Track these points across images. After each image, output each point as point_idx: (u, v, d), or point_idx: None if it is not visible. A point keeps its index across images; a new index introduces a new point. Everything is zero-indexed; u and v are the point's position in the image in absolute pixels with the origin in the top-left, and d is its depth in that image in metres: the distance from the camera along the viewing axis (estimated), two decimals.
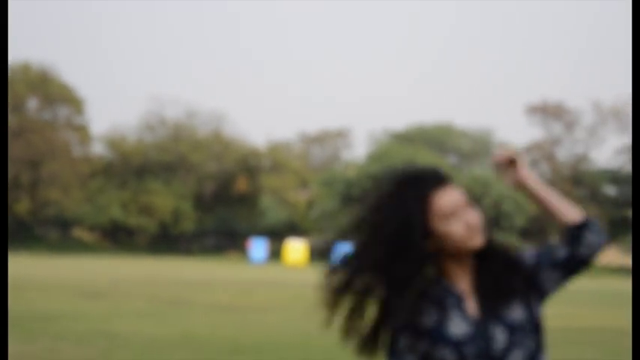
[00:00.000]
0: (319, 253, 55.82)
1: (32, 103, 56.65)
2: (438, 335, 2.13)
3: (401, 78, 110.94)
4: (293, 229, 60.84)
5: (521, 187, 2.27)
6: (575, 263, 2.18)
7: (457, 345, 2.11)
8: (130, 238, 62.38)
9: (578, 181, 57.97)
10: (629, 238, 42.84)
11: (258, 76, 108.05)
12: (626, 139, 56.94)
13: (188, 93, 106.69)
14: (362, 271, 2.23)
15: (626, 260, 48.35)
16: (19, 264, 30.59)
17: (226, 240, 63.32)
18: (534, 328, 2.16)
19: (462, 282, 2.17)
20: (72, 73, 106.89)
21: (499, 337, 2.11)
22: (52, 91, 56.11)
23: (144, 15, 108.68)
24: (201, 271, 33.61)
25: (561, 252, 2.18)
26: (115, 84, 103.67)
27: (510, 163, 2.28)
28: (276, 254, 53.57)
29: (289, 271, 37.99)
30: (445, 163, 61.03)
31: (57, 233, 62.92)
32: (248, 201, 63.06)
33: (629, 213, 47.91)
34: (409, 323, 2.13)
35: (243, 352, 9.59)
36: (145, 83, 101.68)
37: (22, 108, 54.82)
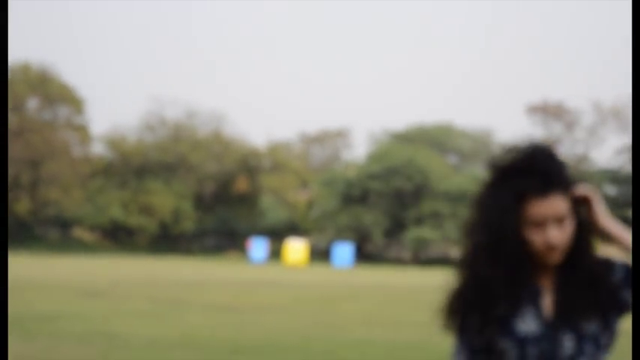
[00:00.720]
0: (319, 253, 55.86)
1: (32, 103, 56.65)
2: (505, 326, 2.08)
3: (401, 78, 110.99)
4: (293, 229, 60.86)
5: (594, 228, 2.11)
6: None
7: (521, 342, 2.07)
8: (130, 238, 62.39)
9: (578, 181, 57.93)
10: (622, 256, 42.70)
11: (259, 76, 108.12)
12: (626, 139, 56.98)
13: (188, 93, 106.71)
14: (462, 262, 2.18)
15: (626, 260, 48.28)
16: (19, 264, 30.59)
17: (226, 240, 63.35)
18: (608, 341, 2.10)
19: (544, 278, 2.11)
20: (72, 73, 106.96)
21: (567, 344, 2.05)
22: (52, 91, 56.11)
23: (144, 15, 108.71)
24: (201, 271, 33.61)
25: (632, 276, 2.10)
26: (115, 84, 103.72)
27: (583, 200, 2.10)
28: (276, 254, 53.59)
29: (289, 271, 37.99)
30: (445, 163, 61.05)
31: (57, 233, 62.94)
32: (248, 201, 63.08)
33: (629, 213, 47.81)
34: (480, 307, 2.08)
35: (243, 353, 9.59)
36: (145, 83, 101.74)
37: (22, 108, 54.81)
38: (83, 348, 9.52)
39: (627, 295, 2.10)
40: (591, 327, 2.06)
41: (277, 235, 58.83)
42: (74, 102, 57.44)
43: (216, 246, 63.32)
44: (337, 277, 31.72)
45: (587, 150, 61.24)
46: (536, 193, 2.03)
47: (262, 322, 12.96)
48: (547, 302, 2.09)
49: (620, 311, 2.11)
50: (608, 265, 2.12)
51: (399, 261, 56.69)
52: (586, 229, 2.09)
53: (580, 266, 2.08)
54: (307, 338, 11.02)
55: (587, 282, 2.07)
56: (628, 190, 52.21)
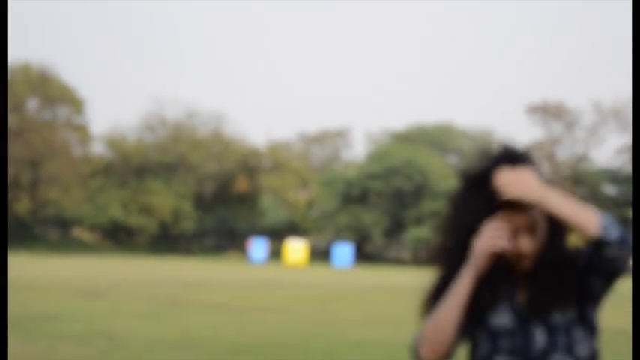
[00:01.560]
0: (319, 253, 55.86)
1: (32, 103, 56.64)
2: (480, 319, 2.13)
3: (401, 78, 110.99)
4: (293, 229, 60.86)
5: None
6: (609, 273, 2.07)
7: (493, 335, 2.10)
8: (130, 238, 62.38)
9: (578, 181, 57.99)
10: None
11: (259, 76, 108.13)
12: (626, 139, 56.98)
13: (188, 93, 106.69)
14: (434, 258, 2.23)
15: (606, 215, 48.27)
16: (19, 264, 30.58)
17: (226, 240, 63.35)
18: (586, 332, 2.10)
19: (520, 271, 2.14)
20: (72, 73, 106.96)
21: (539, 337, 2.08)
22: (52, 91, 56.11)
23: (144, 15, 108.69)
24: (201, 271, 33.60)
25: (595, 260, 2.07)
26: (115, 84, 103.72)
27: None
28: (276, 254, 53.58)
29: (289, 271, 37.99)
30: (445, 163, 61.04)
31: (57, 233, 62.92)
32: (248, 201, 63.08)
33: (629, 213, 47.89)
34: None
35: (243, 352, 9.59)
36: (145, 83, 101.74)
37: (22, 108, 54.81)
38: (83, 348, 9.52)
39: (593, 281, 2.08)
40: (563, 318, 2.07)
41: (277, 235, 58.83)
42: (74, 102, 57.43)
43: (216, 246, 63.31)
44: (337, 277, 31.72)
45: (587, 150, 61.23)
46: (507, 205, 2.06)
47: (262, 322, 12.95)
48: (520, 296, 2.12)
49: (591, 299, 2.11)
50: (575, 255, 2.12)
51: (399, 261, 56.68)
52: (557, 225, 2.10)
53: (550, 260, 2.09)
54: (307, 338, 11.02)
55: (557, 275, 2.08)
56: (628, 190, 52.19)
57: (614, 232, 2.02)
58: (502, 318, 2.10)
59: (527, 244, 2.08)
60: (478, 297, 2.10)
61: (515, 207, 2.06)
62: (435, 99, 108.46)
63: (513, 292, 2.12)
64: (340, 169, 64.07)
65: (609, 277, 2.08)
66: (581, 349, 2.08)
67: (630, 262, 2.14)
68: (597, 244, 2.01)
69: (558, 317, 2.07)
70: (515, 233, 2.08)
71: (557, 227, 2.11)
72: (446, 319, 2.08)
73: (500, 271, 2.12)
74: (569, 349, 2.07)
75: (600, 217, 2.03)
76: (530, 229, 2.08)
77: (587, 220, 2.01)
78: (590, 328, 2.12)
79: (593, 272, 2.08)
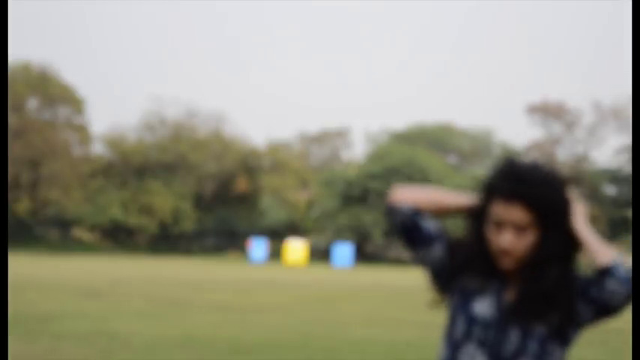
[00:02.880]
0: (319, 253, 55.86)
1: (32, 103, 56.63)
2: (463, 303, 2.17)
3: (401, 78, 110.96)
4: (293, 229, 60.86)
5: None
6: (600, 306, 2.10)
7: (470, 320, 2.14)
8: (130, 238, 62.38)
9: (578, 181, 58.00)
10: (629, 238, 42.83)
11: (258, 76, 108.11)
12: (626, 139, 56.99)
13: (188, 93, 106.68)
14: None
15: (626, 260, 48.39)
16: (19, 264, 30.59)
17: (226, 240, 63.34)
18: (561, 346, 2.12)
19: (513, 273, 2.15)
20: (72, 73, 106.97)
21: (512, 338, 2.10)
22: (52, 91, 56.10)
23: (144, 15, 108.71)
24: (201, 271, 33.61)
25: (592, 290, 2.11)
26: (115, 84, 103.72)
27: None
28: (276, 254, 53.57)
29: (289, 271, 37.99)
30: (445, 163, 61.05)
31: (57, 233, 62.91)
32: (248, 201, 63.08)
33: (629, 213, 47.91)
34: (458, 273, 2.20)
35: (243, 352, 9.59)
36: (145, 83, 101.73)
37: (22, 108, 54.79)
38: (83, 348, 9.52)
39: (583, 308, 2.11)
40: (540, 330, 2.09)
41: (277, 235, 58.81)
42: (74, 102, 57.43)
43: (216, 246, 63.31)
44: (337, 277, 31.72)
45: (587, 150, 61.24)
46: (501, 196, 2.09)
47: (262, 322, 12.95)
48: (508, 295, 2.14)
49: (576, 325, 2.13)
50: (577, 278, 2.14)
51: (399, 261, 56.66)
52: (564, 243, 2.12)
53: (545, 275, 2.09)
54: (307, 338, 11.02)
55: (548, 291, 2.09)
56: (628, 190, 52.21)
57: (623, 271, 2.09)
58: (484, 308, 2.14)
59: (509, 240, 2.08)
60: (467, 281, 2.18)
61: (505, 198, 2.08)
62: (435, 99, 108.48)
63: (502, 289, 2.15)
64: (340, 169, 64.06)
65: (599, 310, 2.11)
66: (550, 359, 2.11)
67: (628, 302, 2.13)
68: (602, 273, 2.08)
69: (537, 326, 2.09)
70: (499, 226, 2.09)
71: (565, 245, 2.12)
72: (427, 196, 2.25)
73: (490, 263, 2.15)
74: (539, 358, 2.08)
75: (617, 254, 2.11)
76: (518, 229, 2.08)
77: (604, 250, 2.11)
78: (566, 343, 2.14)
79: (586, 300, 2.10)
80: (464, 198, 2.26)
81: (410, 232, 2.25)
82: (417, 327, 12.56)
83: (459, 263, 2.19)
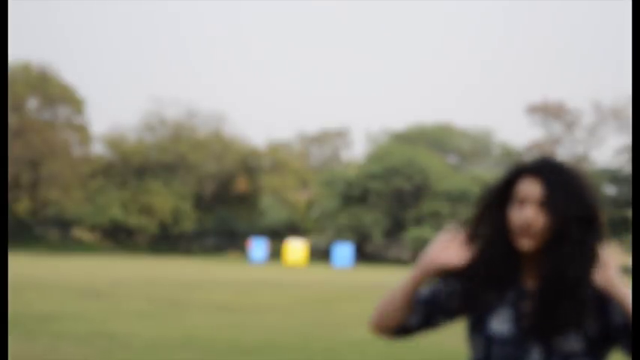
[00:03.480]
0: (319, 253, 55.86)
1: (32, 103, 56.63)
2: (477, 322, 2.09)
3: (401, 78, 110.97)
4: (293, 229, 60.86)
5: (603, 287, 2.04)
6: (608, 335, 2.04)
7: (488, 340, 2.06)
8: (130, 238, 62.38)
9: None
10: (629, 238, 42.88)
11: (259, 76, 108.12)
12: (626, 139, 56.98)
13: (188, 93, 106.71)
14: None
15: (626, 260, 48.42)
16: (19, 264, 30.59)
17: (226, 240, 63.33)
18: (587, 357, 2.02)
19: (530, 281, 2.07)
20: (72, 73, 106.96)
21: (534, 355, 2.00)
22: (52, 91, 56.10)
23: (144, 15, 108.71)
24: (201, 271, 33.61)
25: (614, 323, 2.03)
26: (115, 84, 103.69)
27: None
28: (276, 254, 53.57)
29: (289, 271, 37.99)
30: (445, 163, 61.06)
31: (57, 233, 62.91)
32: (248, 201, 63.08)
33: (629, 213, 47.94)
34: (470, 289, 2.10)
35: (243, 353, 9.59)
36: (145, 83, 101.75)
37: (22, 108, 54.79)
38: (83, 348, 9.52)
39: (623, 341, 2.02)
40: (567, 345, 2.00)
41: (277, 235, 58.81)
42: (74, 102, 57.43)
43: (216, 246, 63.30)
44: (337, 277, 31.72)
45: (587, 150, 61.25)
46: (529, 171, 2.06)
47: (262, 322, 12.96)
48: (527, 307, 2.04)
49: (609, 346, 2.06)
50: (604, 296, 2.04)
51: (399, 261, 56.66)
52: (587, 254, 2.03)
53: (566, 279, 2.00)
54: (307, 338, 11.02)
55: (572, 299, 2.00)
56: (628, 190, 52.20)
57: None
58: (501, 325, 2.05)
59: (533, 216, 2.01)
60: (478, 301, 2.07)
61: (534, 174, 2.05)
62: (434, 99, 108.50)
63: (519, 300, 2.06)
64: (340, 169, 64.06)
65: (605, 336, 2.05)
66: None
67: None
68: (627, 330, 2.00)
69: (562, 341, 2.00)
70: (522, 203, 2.04)
71: (584, 253, 2.03)
72: (392, 301, 2.16)
73: (503, 275, 2.07)
74: None
75: None
76: (542, 204, 2.02)
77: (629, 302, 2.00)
78: (596, 354, 2.04)
79: (619, 337, 2.03)
80: (415, 269, 2.14)
81: (419, 330, 2.21)
82: None
83: (476, 271, 2.08)
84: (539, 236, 2.02)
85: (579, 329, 2.00)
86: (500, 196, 2.11)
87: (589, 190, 2.08)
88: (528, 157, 2.16)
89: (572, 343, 2.00)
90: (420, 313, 2.18)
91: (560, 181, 2.04)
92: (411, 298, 2.13)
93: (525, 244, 2.03)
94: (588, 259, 2.02)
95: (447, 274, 2.13)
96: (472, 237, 2.11)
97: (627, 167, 55.12)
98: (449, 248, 2.09)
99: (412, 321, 2.18)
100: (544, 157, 2.10)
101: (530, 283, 2.07)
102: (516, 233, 2.04)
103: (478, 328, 2.09)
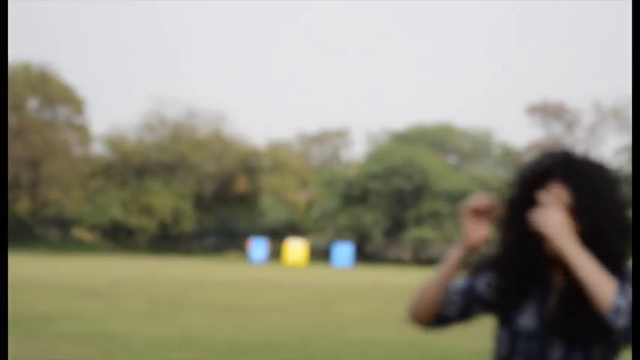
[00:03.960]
0: (319, 253, 55.85)
1: (32, 103, 56.63)
2: (506, 319, 2.11)
3: (401, 78, 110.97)
4: (293, 229, 60.85)
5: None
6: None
7: (514, 335, 2.08)
8: (130, 238, 62.37)
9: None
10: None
11: (259, 76, 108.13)
12: (626, 139, 56.99)
13: (188, 93, 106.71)
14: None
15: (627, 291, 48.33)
16: (19, 264, 30.59)
17: (226, 240, 63.33)
18: (608, 349, 2.04)
19: (557, 276, 2.09)
20: (72, 73, 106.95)
21: (556, 349, 2.02)
22: (52, 91, 56.10)
23: (144, 15, 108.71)
24: (201, 271, 33.60)
25: None
26: (115, 84, 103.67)
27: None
28: (276, 254, 53.57)
29: (289, 271, 37.99)
30: (445, 163, 61.06)
31: (57, 233, 62.91)
32: (248, 201, 63.08)
33: (629, 213, 47.84)
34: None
35: (243, 352, 9.59)
36: (145, 83, 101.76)
37: (22, 108, 54.79)
38: (83, 348, 9.52)
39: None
40: (586, 335, 2.01)
41: (277, 235, 58.80)
42: (74, 102, 57.43)
43: (216, 246, 63.30)
44: (337, 277, 31.71)
45: (587, 150, 61.02)
46: (559, 177, 2.06)
47: (262, 322, 12.95)
48: (551, 302, 2.07)
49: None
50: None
51: (399, 261, 56.68)
52: (615, 253, 2.04)
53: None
54: (307, 338, 11.02)
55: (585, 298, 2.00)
56: (628, 190, 52.13)
57: (621, 320, 1.91)
58: (527, 320, 2.07)
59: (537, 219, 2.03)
60: (506, 297, 2.11)
61: (563, 180, 2.05)
62: (435, 99, 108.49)
63: (545, 295, 2.08)
64: (340, 169, 64.06)
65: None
66: None
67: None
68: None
69: (582, 334, 2.02)
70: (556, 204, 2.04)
71: (605, 246, 2.04)
72: (430, 287, 2.17)
73: (531, 272, 2.10)
74: None
75: (616, 295, 1.93)
76: (571, 209, 2.03)
77: (602, 292, 1.93)
78: (615, 348, 2.06)
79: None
80: (453, 252, 2.16)
81: (456, 321, 2.23)
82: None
83: (508, 270, 2.12)
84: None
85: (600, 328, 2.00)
86: (527, 200, 2.11)
87: (615, 188, 2.13)
88: (530, 156, 2.15)
89: (593, 331, 2.02)
90: (457, 304, 2.20)
91: (587, 184, 2.05)
92: (448, 283, 2.16)
93: (552, 248, 2.06)
94: (617, 258, 2.03)
95: (481, 266, 2.19)
96: (503, 228, 2.15)
97: (627, 167, 55.11)
98: (481, 226, 2.13)
99: (450, 311, 2.20)
100: (566, 155, 2.10)
101: (557, 280, 2.09)
102: (543, 237, 2.05)
103: (505, 324, 2.11)
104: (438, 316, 2.20)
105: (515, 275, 2.10)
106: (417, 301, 2.20)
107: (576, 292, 2.01)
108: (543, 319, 2.05)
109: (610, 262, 2.01)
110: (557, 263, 2.07)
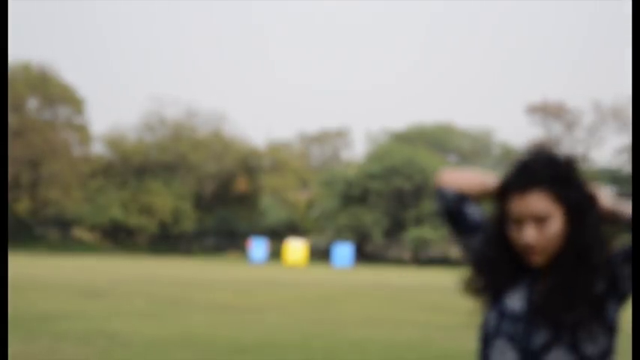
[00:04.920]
0: (319, 253, 55.86)
1: (32, 103, 56.65)
2: (495, 298, 2.12)
3: (401, 78, 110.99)
4: (293, 229, 60.87)
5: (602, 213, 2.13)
6: (611, 284, 2.07)
7: (501, 315, 2.09)
8: (130, 238, 62.39)
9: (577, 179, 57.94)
10: (629, 238, 42.77)
11: (259, 76, 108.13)
12: (626, 139, 57.00)
13: (188, 93, 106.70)
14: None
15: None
16: (19, 264, 30.59)
17: (226, 240, 63.36)
18: (600, 329, 2.04)
19: (544, 265, 2.11)
20: (72, 73, 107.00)
21: (541, 331, 2.03)
22: (52, 91, 56.12)
23: (144, 15, 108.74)
24: (201, 271, 33.61)
25: (613, 266, 2.08)
26: (115, 84, 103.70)
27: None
28: (276, 254, 53.58)
29: (289, 271, 37.99)
30: (445, 163, 61.05)
31: (57, 233, 62.94)
32: (248, 201, 63.09)
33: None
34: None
35: (243, 352, 9.59)
36: (145, 83, 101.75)
37: (22, 108, 54.81)
38: (83, 348, 9.52)
39: (620, 278, 2.05)
40: (574, 318, 2.01)
41: (277, 235, 58.83)
42: (74, 102, 57.45)
43: (216, 246, 63.33)
44: (337, 277, 31.72)
45: (587, 150, 61.24)
46: (515, 190, 2.05)
47: (262, 322, 12.95)
48: (539, 288, 2.08)
49: (618, 297, 2.07)
50: (610, 257, 2.08)
51: (399, 261, 56.68)
52: (590, 225, 2.07)
53: (567, 259, 2.04)
54: (307, 337, 11.02)
55: (572, 276, 2.03)
56: (628, 190, 52.12)
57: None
58: (514, 302, 2.09)
59: (531, 235, 2.02)
60: (496, 278, 2.13)
61: (520, 191, 2.04)
62: (435, 99, 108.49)
63: (534, 281, 2.10)
64: (340, 169, 64.08)
65: (609, 288, 2.07)
66: (589, 348, 2.02)
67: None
68: (627, 256, 2.05)
69: (569, 317, 2.02)
70: (519, 223, 2.04)
71: (581, 222, 2.06)
72: (474, 178, 2.23)
73: (515, 265, 2.12)
74: (573, 347, 2.00)
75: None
76: (539, 220, 2.02)
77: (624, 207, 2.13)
78: (607, 326, 2.06)
79: (625, 263, 2.06)
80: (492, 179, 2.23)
81: (454, 219, 2.24)
82: (417, 327, 12.56)
83: (489, 260, 2.16)
84: (549, 250, 2.05)
85: (587, 300, 2.03)
86: (497, 217, 2.13)
87: (569, 163, 2.11)
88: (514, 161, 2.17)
89: (580, 311, 2.02)
90: (476, 215, 2.24)
91: (542, 182, 2.04)
92: (488, 193, 2.20)
93: (535, 260, 2.07)
94: (596, 226, 2.08)
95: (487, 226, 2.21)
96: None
97: (627, 167, 55.13)
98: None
99: (470, 210, 2.24)
100: (519, 165, 2.09)
101: (546, 265, 2.10)
102: (522, 252, 2.07)
103: (493, 304, 2.13)
104: (463, 200, 2.23)
105: (504, 265, 2.13)
106: (458, 176, 2.26)
107: (565, 280, 2.03)
108: (531, 303, 2.07)
109: (590, 233, 2.07)
110: (545, 269, 2.10)
